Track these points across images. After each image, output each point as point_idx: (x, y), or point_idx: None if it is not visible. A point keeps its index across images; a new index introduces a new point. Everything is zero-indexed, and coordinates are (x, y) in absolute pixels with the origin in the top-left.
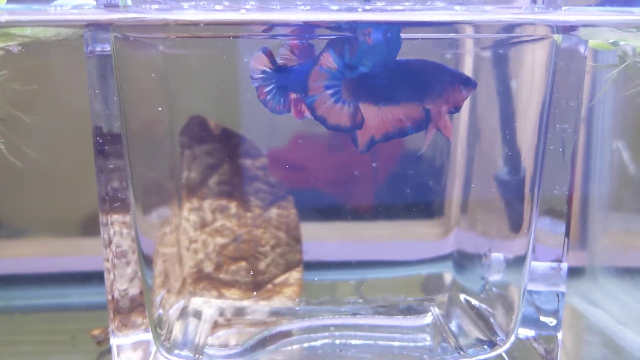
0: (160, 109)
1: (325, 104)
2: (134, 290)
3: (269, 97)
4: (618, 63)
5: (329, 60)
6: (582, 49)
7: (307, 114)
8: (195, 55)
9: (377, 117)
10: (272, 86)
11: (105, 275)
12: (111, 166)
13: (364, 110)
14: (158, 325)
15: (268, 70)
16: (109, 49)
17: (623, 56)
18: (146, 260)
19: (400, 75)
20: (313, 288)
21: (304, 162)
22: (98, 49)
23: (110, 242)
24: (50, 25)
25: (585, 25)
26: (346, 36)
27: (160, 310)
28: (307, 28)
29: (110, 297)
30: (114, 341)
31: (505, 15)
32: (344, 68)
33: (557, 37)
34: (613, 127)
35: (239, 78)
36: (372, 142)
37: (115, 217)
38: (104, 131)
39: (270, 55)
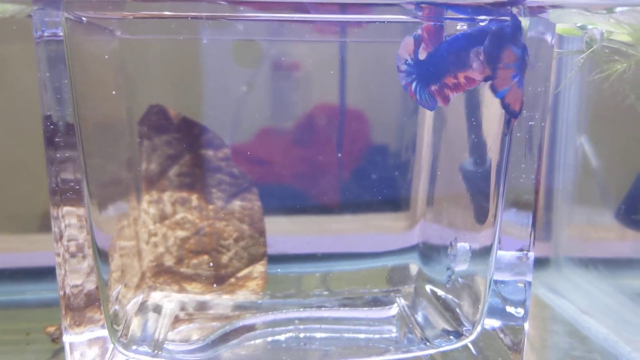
0: (117, 97)
1: (513, 93)
2: (88, 286)
3: (418, 96)
4: (584, 49)
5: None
6: (549, 35)
7: (452, 95)
8: (155, 41)
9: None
10: (415, 82)
11: (57, 271)
12: (62, 157)
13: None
14: (114, 321)
15: (410, 61)
16: (60, 33)
17: (590, 42)
18: (102, 255)
19: None
20: (278, 281)
21: (269, 155)
22: (47, 33)
23: (61, 236)
24: None
25: (554, 7)
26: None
27: (117, 306)
28: (437, 9)
29: (62, 293)
30: (66, 338)
31: None
32: (523, 53)
33: (524, 21)
34: (578, 119)
35: (202, 65)
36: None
37: (68, 210)
38: (54, 120)
39: (419, 42)
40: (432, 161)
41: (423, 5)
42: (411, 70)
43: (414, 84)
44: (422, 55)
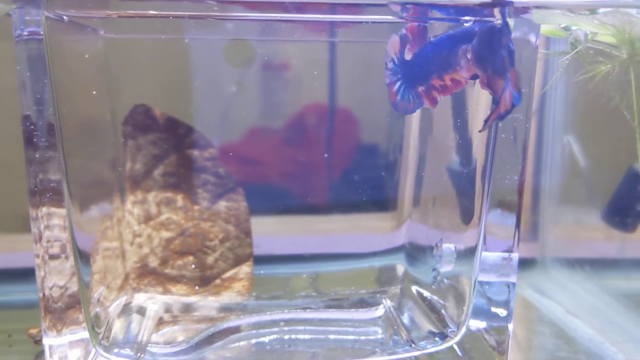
0: (100, 97)
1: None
2: (69, 287)
3: (399, 97)
4: (569, 49)
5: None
6: (533, 35)
7: (440, 97)
8: (140, 40)
9: None
10: (399, 82)
11: (36, 272)
12: (42, 157)
13: None
14: (95, 324)
15: (396, 60)
16: (40, 32)
17: (575, 43)
18: (83, 256)
19: None
20: (264, 282)
21: (258, 155)
22: (27, 32)
23: (40, 237)
24: None
25: (537, 7)
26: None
27: (98, 308)
28: (421, 10)
29: (41, 294)
30: (46, 341)
31: None
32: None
33: (509, 22)
34: (564, 119)
35: (189, 64)
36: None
37: (47, 210)
38: (33, 120)
39: (405, 42)
40: (419, 161)
41: (408, 6)
42: (397, 69)
43: (398, 84)
44: (409, 56)
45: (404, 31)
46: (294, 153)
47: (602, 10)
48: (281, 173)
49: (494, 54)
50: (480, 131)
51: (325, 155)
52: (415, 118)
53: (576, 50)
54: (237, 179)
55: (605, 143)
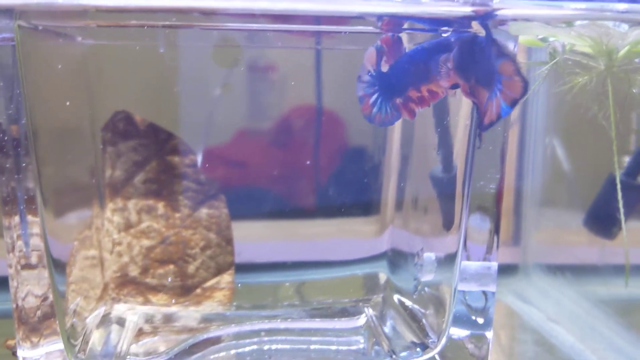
0: (77, 104)
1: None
2: (44, 298)
3: (375, 109)
4: (548, 60)
5: None
6: (511, 45)
7: (418, 109)
8: (121, 47)
9: None
10: (376, 94)
11: (10, 282)
12: (13, 166)
13: None
14: (71, 335)
15: (373, 73)
16: (13, 39)
17: (553, 53)
18: (58, 266)
19: None
20: (245, 291)
21: (242, 159)
22: None
23: (13, 246)
24: None
25: (514, 19)
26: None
27: (75, 319)
28: (395, 21)
29: (14, 305)
30: (20, 353)
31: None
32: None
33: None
34: (546, 124)
35: (171, 71)
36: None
37: (19, 219)
38: (3, 128)
39: (381, 54)
40: (401, 167)
41: (384, 17)
42: (374, 81)
43: (375, 96)
44: (386, 67)
45: (379, 43)
46: (279, 156)
47: (578, 22)
48: (265, 177)
49: (477, 64)
50: (479, 143)
51: (308, 162)
52: (398, 123)
53: (554, 61)
54: (219, 183)
55: (587, 149)
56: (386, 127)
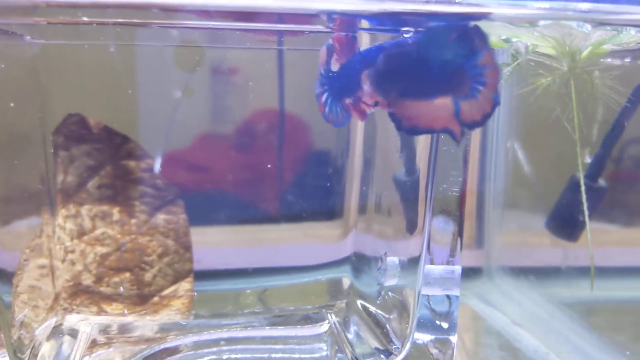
0: (26, 106)
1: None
2: None
3: (327, 109)
4: (510, 61)
5: None
6: None
7: (369, 110)
8: (74, 47)
9: None
10: (326, 94)
11: None
12: None
13: None
14: (18, 348)
15: (322, 71)
16: None
17: (515, 54)
18: (4, 276)
19: None
20: (204, 299)
21: (203, 163)
22: None
23: None
24: None
25: (477, 19)
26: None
27: (23, 331)
28: (349, 20)
29: None
30: None
31: (388, 4)
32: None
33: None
34: (508, 126)
35: (129, 73)
36: None
37: None
38: None
39: (331, 52)
40: (364, 170)
41: (334, 16)
42: (324, 81)
43: (324, 95)
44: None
45: (330, 41)
46: (240, 160)
47: (542, 22)
48: (228, 181)
49: (410, 74)
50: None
51: (269, 166)
52: (360, 124)
53: (517, 62)
54: (177, 187)
55: (550, 151)
56: (349, 130)
